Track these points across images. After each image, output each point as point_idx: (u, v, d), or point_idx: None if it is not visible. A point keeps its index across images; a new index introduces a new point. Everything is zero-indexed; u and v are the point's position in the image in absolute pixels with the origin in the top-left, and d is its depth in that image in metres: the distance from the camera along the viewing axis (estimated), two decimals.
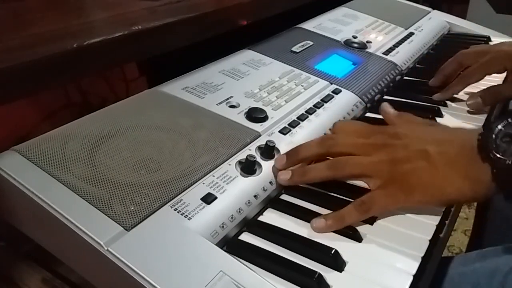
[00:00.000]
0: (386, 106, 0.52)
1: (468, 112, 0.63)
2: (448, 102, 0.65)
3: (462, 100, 0.66)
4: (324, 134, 0.53)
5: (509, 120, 0.39)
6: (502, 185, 0.39)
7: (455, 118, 0.62)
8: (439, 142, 0.42)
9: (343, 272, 0.37)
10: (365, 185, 0.46)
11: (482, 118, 0.61)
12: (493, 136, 0.39)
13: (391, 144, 0.43)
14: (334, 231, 0.41)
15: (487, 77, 0.65)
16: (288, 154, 0.46)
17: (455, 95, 0.67)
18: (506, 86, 0.65)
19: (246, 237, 0.40)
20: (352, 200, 0.44)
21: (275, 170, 0.45)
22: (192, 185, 0.41)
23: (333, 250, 0.38)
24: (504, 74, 0.67)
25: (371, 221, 0.42)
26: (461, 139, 0.42)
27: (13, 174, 0.38)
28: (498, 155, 0.38)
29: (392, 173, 0.42)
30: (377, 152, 0.43)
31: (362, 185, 0.46)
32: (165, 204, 0.39)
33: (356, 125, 0.48)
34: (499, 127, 0.39)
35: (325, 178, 0.44)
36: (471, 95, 0.63)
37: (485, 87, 0.64)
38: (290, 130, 0.51)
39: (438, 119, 0.60)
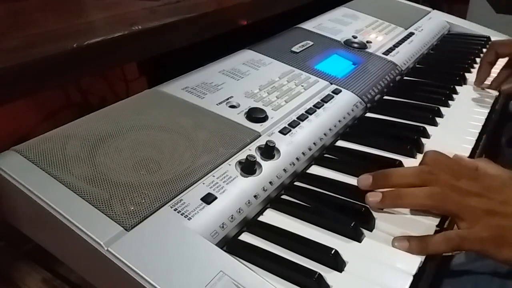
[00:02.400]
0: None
1: (469, 111, 0.63)
2: (450, 102, 0.65)
3: (463, 100, 0.66)
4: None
5: None
6: None
7: (456, 118, 0.62)
8: None
9: (343, 272, 0.37)
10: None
11: (482, 118, 0.61)
12: None
13: (487, 195, 0.42)
14: (334, 231, 0.41)
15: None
16: (376, 177, 0.45)
17: (454, 94, 0.67)
18: None
19: (246, 237, 0.40)
20: (352, 201, 0.44)
21: (362, 189, 0.45)
22: (192, 185, 0.41)
23: (333, 250, 0.38)
24: None
25: (371, 221, 0.42)
26: None
27: (13, 174, 0.38)
28: None
29: (489, 223, 0.41)
30: (472, 198, 0.42)
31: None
32: (165, 204, 0.39)
33: (451, 162, 0.46)
34: None
35: (422, 207, 0.43)
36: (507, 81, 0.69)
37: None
38: (290, 130, 0.51)
39: (438, 119, 0.60)
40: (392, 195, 0.43)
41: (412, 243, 0.39)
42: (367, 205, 0.43)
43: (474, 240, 0.40)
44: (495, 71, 0.71)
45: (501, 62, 0.71)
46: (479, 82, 0.71)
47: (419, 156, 0.51)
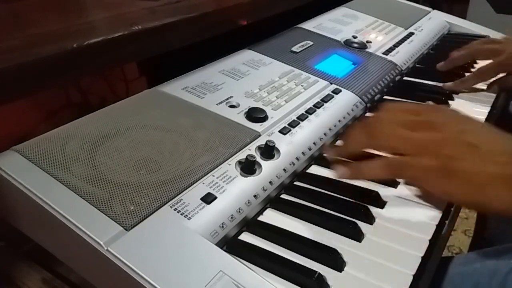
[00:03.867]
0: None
1: (469, 111, 0.63)
2: (450, 102, 0.65)
3: (463, 100, 0.66)
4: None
5: None
6: None
7: None
8: (492, 143, 0.41)
9: (343, 272, 0.37)
10: (368, 186, 0.46)
11: (482, 118, 0.61)
12: None
13: (442, 127, 0.41)
14: (334, 231, 0.41)
15: None
16: (336, 148, 0.47)
17: (454, 94, 0.67)
18: None
19: (246, 237, 0.40)
20: (352, 201, 0.44)
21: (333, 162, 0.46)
22: (192, 185, 0.41)
23: (333, 250, 0.38)
24: None
25: (371, 221, 0.42)
26: None
27: (13, 174, 0.38)
28: None
29: (437, 152, 0.40)
30: (426, 131, 0.41)
31: (366, 186, 0.46)
32: (165, 204, 0.39)
33: (404, 104, 0.47)
34: None
35: (382, 177, 0.44)
36: (490, 84, 0.69)
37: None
38: (290, 130, 0.51)
39: None
40: (354, 169, 0.44)
41: (352, 169, 0.40)
42: (367, 205, 0.43)
43: (417, 168, 0.40)
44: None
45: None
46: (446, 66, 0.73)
47: None
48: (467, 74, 0.72)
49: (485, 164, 0.39)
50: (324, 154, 0.50)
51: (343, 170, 0.44)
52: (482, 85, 0.70)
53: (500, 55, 0.67)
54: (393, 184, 0.47)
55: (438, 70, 0.74)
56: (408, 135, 0.41)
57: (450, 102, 0.65)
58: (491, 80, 0.69)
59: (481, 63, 0.72)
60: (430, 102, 0.53)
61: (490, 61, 0.69)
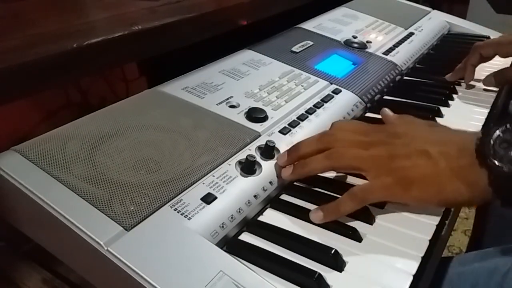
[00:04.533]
0: (385, 110, 0.52)
1: (469, 111, 0.63)
2: (450, 102, 0.65)
3: (463, 100, 0.66)
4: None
5: (508, 126, 0.38)
6: (498, 192, 0.38)
7: (455, 118, 0.62)
8: (439, 142, 0.42)
9: (343, 272, 0.37)
10: None
11: (482, 118, 0.61)
12: (491, 142, 0.38)
13: (391, 142, 0.43)
14: (334, 231, 0.41)
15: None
16: (288, 151, 0.47)
17: (454, 94, 0.67)
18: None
19: (246, 237, 0.40)
20: None
21: (278, 168, 0.46)
22: (192, 185, 0.41)
23: (333, 250, 0.38)
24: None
25: (371, 221, 0.42)
26: (462, 141, 0.42)
27: (13, 174, 0.38)
28: (495, 162, 0.38)
29: (391, 167, 0.41)
30: (376, 147, 0.43)
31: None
32: (165, 204, 0.39)
33: (354, 124, 0.48)
34: (497, 132, 0.38)
35: (324, 168, 0.45)
36: (486, 77, 0.69)
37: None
38: (290, 130, 0.51)
39: (438, 119, 0.60)
40: (299, 165, 0.45)
41: (325, 211, 0.41)
42: (366, 205, 0.43)
43: (379, 189, 0.41)
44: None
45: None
46: (455, 77, 0.71)
47: None
48: None
49: (438, 163, 0.40)
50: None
51: (288, 169, 0.45)
52: (481, 85, 0.70)
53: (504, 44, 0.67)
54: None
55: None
56: (363, 154, 0.43)
57: (450, 102, 0.65)
58: (487, 75, 0.69)
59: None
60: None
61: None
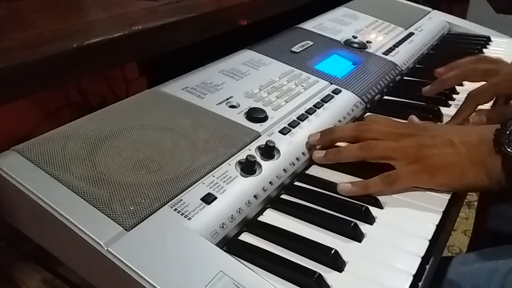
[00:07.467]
0: (413, 117, 0.56)
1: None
2: (450, 102, 0.65)
3: (462, 100, 0.66)
4: None
5: None
6: (509, 176, 0.42)
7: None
8: (462, 133, 0.47)
9: (343, 272, 0.37)
10: None
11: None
12: (507, 132, 0.43)
13: (419, 133, 0.48)
14: (334, 231, 0.41)
15: None
16: (322, 132, 0.51)
17: (454, 94, 0.67)
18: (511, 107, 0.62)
19: (246, 237, 0.40)
20: (352, 201, 0.45)
21: (307, 146, 0.50)
22: (192, 185, 0.41)
23: (333, 250, 0.38)
24: None
25: (371, 221, 0.42)
26: (482, 132, 0.46)
27: (13, 174, 0.38)
28: (508, 149, 0.42)
29: (419, 155, 0.45)
30: (406, 139, 0.47)
31: None
32: (165, 204, 0.39)
33: (386, 118, 0.53)
34: None
35: (356, 158, 0.48)
36: (477, 112, 0.59)
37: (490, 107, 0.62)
38: (290, 130, 0.51)
39: (438, 119, 0.60)
40: (333, 151, 0.49)
41: (354, 186, 0.45)
42: (367, 205, 0.43)
43: (407, 175, 0.45)
44: None
45: None
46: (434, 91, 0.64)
47: None
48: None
49: (460, 152, 0.45)
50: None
51: (321, 152, 0.50)
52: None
53: (494, 76, 0.59)
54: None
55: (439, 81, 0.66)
56: (394, 145, 0.47)
57: (450, 102, 0.65)
58: (482, 107, 0.60)
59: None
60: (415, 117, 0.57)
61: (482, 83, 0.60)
